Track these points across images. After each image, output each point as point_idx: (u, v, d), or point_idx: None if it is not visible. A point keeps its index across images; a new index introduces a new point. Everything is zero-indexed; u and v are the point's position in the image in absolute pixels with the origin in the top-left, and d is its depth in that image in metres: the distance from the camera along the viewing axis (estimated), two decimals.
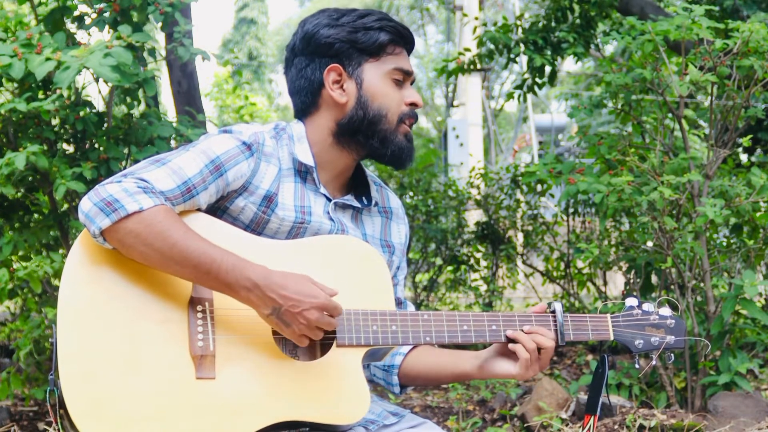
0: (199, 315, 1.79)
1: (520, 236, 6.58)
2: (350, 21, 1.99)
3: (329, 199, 2.01)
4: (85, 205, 1.75)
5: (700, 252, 3.67)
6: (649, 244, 4.03)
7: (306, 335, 1.78)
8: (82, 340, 1.71)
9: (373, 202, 2.10)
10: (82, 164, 3.42)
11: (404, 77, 2.03)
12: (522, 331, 1.90)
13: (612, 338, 1.96)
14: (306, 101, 2.03)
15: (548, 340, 1.89)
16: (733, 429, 3.39)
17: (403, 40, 2.03)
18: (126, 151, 3.64)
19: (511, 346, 1.90)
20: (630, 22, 3.86)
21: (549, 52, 5.66)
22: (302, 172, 2.00)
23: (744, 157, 6.46)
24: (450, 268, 6.63)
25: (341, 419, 1.81)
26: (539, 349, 1.89)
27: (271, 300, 1.75)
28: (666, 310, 2.00)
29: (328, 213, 2.00)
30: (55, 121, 3.64)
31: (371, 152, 2.02)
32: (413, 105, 2.03)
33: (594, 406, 1.98)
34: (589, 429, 1.97)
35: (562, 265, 6.05)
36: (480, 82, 14.39)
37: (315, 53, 2.01)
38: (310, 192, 1.99)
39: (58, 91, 3.47)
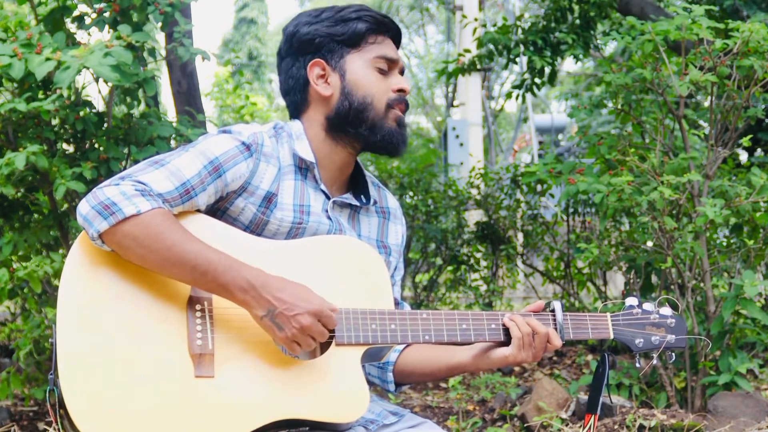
0: (198, 314, 1.79)
1: (520, 236, 6.58)
2: (329, 16, 2.02)
3: (328, 197, 2.01)
4: (83, 208, 1.75)
5: (700, 252, 3.67)
6: (649, 244, 4.03)
7: (298, 342, 1.77)
8: (81, 339, 1.71)
9: (372, 201, 2.10)
10: (82, 164, 3.41)
11: (389, 65, 2.03)
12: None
13: (612, 337, 1.96)
14: (296, 100, 2.06)
15: (542, 326, 1.89)
16: (733, 429, 3.39)
17: (383, 27, 2.04)
18: (126, 151, 3.64)
19: (505, 321, 1.90)
20: (630, 22, 3.85)
21: (548, 53, 5.66)
22: (303, 169, 2.00)
23: (744, 157, 6.46)
24: (450, 268, 6.62)
25: (341, 418, 1.80)
26: (534, 335, 1.89)
27: (266, 301, 1.75)
28: (666, 310, 2.00)
29: (327, 211, 2.00)
30: (55, 121, 3.64)
31: (364, 142, 2.02)
32: (401, 92, 2.03)
33: (595, 405, 1.98)
34: (589, 428, 1.97)
35: (562, 265, 6.04)
36: (480, 82, 14.36)
37: (298, 52, 2.04)
38: (310, 188, 2.00)
39: (58, 91, 3.47)
